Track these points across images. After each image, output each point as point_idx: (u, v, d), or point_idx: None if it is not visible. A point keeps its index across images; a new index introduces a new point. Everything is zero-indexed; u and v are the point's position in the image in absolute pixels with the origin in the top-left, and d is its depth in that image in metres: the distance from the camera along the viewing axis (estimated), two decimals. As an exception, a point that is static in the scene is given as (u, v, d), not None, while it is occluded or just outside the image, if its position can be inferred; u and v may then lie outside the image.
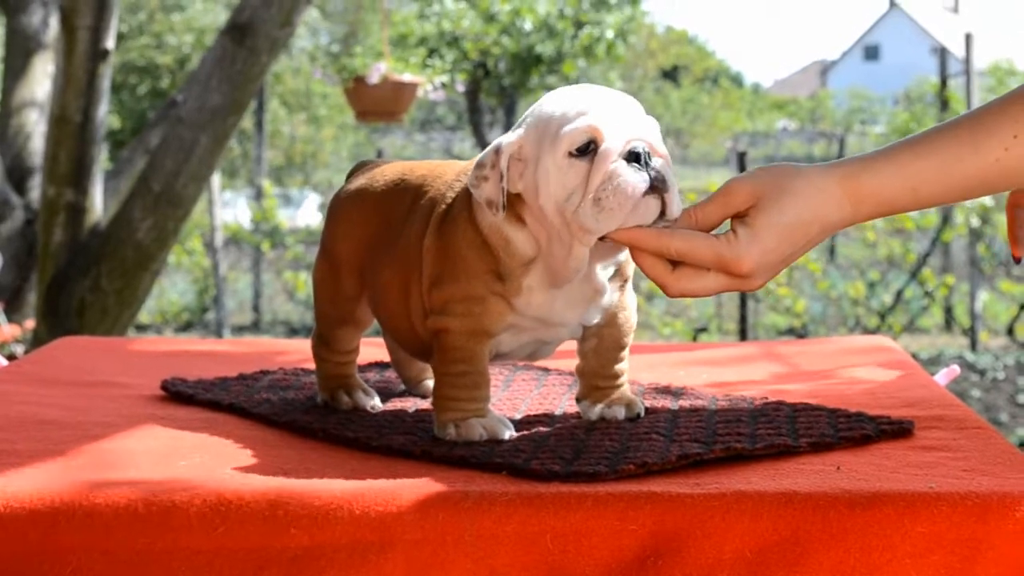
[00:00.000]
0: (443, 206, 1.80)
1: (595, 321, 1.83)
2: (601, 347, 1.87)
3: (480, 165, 1.72)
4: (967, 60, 11.06)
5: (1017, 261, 2.02)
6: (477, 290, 1.75)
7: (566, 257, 1.71)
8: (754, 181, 1.67)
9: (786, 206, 1.66)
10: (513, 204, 1.73)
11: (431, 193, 1.85)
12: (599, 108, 1.70)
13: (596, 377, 1.88)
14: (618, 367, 1.88)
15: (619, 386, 1.89)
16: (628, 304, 1.87)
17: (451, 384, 1.78)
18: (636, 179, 1.66)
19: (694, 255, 1.66)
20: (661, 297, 11.57)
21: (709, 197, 1.69)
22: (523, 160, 1.72)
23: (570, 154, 1.68)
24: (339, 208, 2.01)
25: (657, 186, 1.66)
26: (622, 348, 1.88)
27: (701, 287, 1.69)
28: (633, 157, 1.67)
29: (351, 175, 2.06)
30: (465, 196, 1.78)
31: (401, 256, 1.85)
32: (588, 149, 1.68)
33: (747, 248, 1.65)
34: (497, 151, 1.72)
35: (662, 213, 1.67)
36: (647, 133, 1.70)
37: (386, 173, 1.97)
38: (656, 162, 1.68)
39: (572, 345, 1.91)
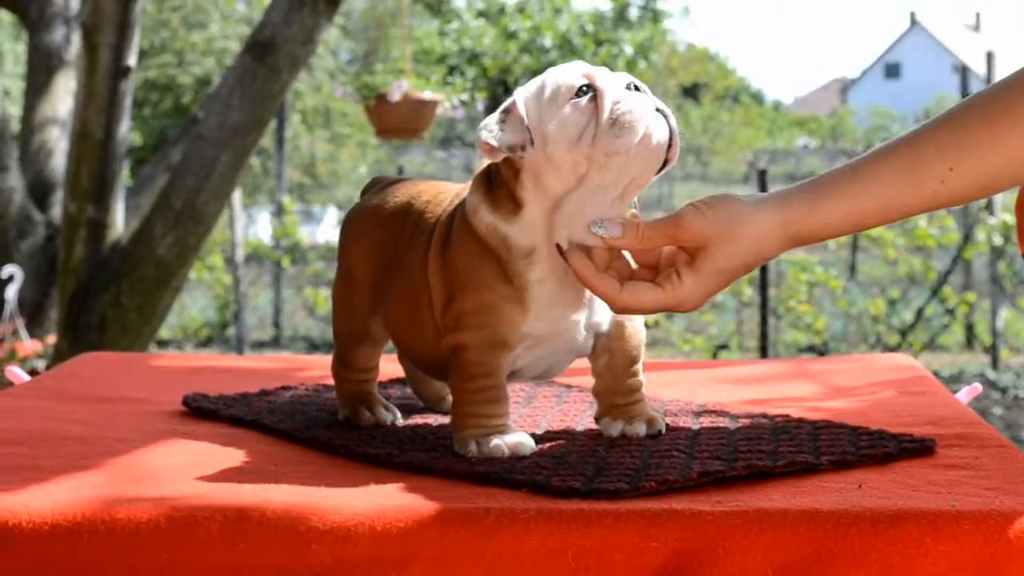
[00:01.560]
0: (442, 229, 1.82)
1: (604, 328, 1.83)
2: (613, 362, 1.87)
3: (487, 123, 1.75)
4: (988, 78, 11.04)
5: None
6: (488, 299, 1.76)
7: (583, 206, 1.73)
8: (704, 222, 1.70)
9: (731, 256, 1.70)
10: (512, 196, 1.75)
11: (430, 219, 1.87)
12: (588, 66, 1.78)
13: (613, 395, 1.88)
14: (633, 381, 1.88)
15: (638, 401, 1.89)
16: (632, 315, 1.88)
17: (470, 401, 1.78)
18: (643, 100, 1.73)
19: (642, 306, 1.72)
20: (682, 314, 11.56)
21: (658, 221, 1.73)
22: (531, 113, 1.75)
23: (571, 99, 1.73)
24: (352, 226, 2.02)
25: (661, 110, 1.74)
26: (635, 361, 1.88)
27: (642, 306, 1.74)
28: (633, 88, 1.75)
29: (365, 191, 2.08)
30: (458, 213, 1.80)
31: (406, 282, 1.86)
32: (586, 92, 1.73)
33: (691, 292, 1.71)
34: (507, 107, 1.76)
35: (670, 144, 1.73)
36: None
37: (397, 194, 1.97)
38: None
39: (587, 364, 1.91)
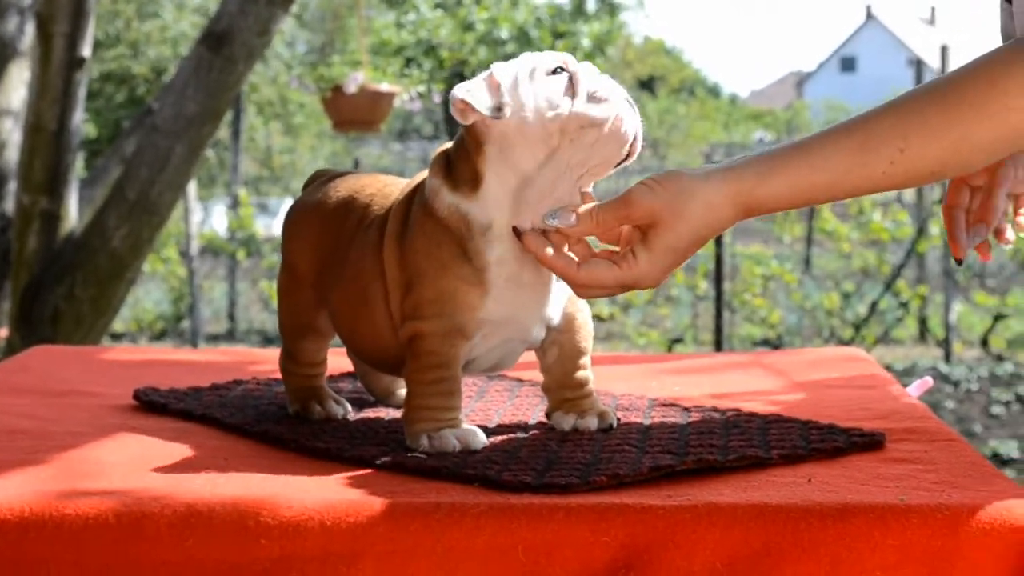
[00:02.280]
0: (394, 220, 1.82)
1: (555, 322, 1.84)
2: (563, 355, 1.87)
3: (466, 86, 1.74)
4: (943, 71, 11.10)
5: (959, 263, 2.05)
6: (447, 284, 1.75)
7: (544, 194, 1.74)
8: (653, 199, 1.70)
9: (681, 231, 1.71)
10: (472, 172, 1.76)
11: (377, 211, 1.87)
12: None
13: (563, 389, 1.89)
14: (582, 374, 1.89)
15: (588, 394, 1.89)
16: (582, 306, 1.88)
17: (425, 393, 1.78)
18: (613, 82, 1.77)
19: (600, 283, 1.73)
20: (637, 307, 11.59)
21: (610, 203, 1.73)
22: (505, 89, 1.75)
23: (547, 73, 1.74)
24: (294, 220, 2.01)
25: (630, 102, 1.77)
26: (584, 353, 1.88)
27: (605, 295, 1.76)
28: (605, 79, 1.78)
29: (307, 185, 2.07)
30: (417, 201, 1.80)
31: (354, 274, 1.85)
32: (562, 71, 1.75)
33: (647, 269, 1.72)
34: (484, 75, 1.76)
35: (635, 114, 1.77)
36: None
37: (339, 188, 1.97)
38: None
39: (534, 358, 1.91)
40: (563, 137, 1.72)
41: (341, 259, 1.89)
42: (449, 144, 1.83)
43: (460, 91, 1.73)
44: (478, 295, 1.76)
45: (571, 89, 1.73)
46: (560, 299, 1.84)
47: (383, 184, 1.93)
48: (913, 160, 1.68)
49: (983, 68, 1.68)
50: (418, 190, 1.82)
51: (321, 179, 2.05)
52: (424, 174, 1.85)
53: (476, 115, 1.72)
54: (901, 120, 1.69)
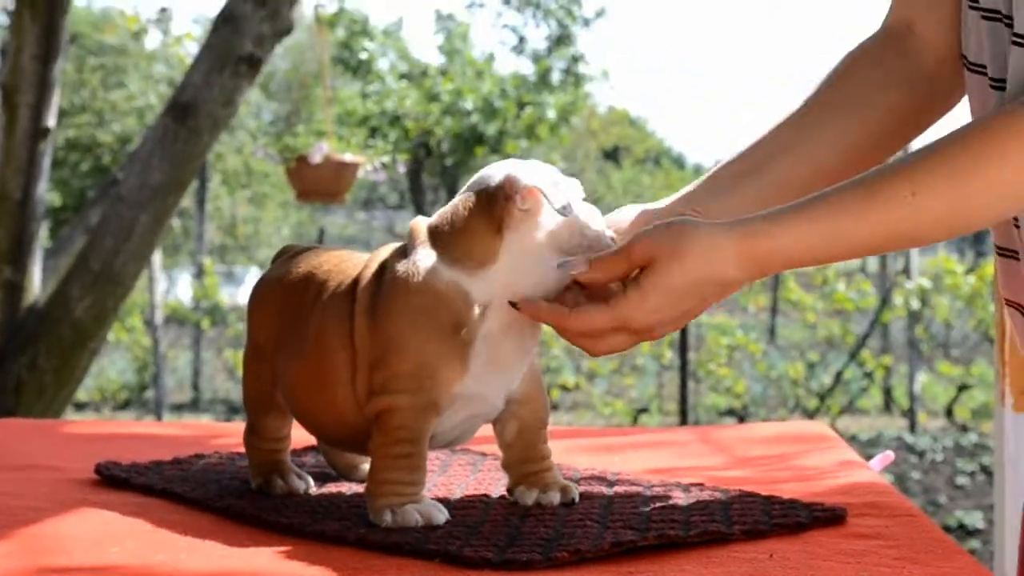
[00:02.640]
0: (362, 293, 1.81)
1: (513, 389, 1.84)
2: (523, 428, 1.88)
3: (530, 180, 1.77)
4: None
5: None
6: (428, 357, 1.75)
7: (537, 287, 1.76)
8: (652, 239, 1.72)
9: (674, 271, 1.69)
10: (485, 248, 1.76)
11: (333, 287, 1.86)
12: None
13: (525, 463, 1.89)
14: (543, 447, 1.89)
15: (549, 468, 1.89)
16: (539, 376, 1.89)
17: (390, 467, 1.77)
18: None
19: (593, 326, 1.73)
20: (602, 377, 11.60)
21: (616, 250, 1.75)
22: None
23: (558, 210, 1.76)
24: (258, 295, 2.01)
25: None
26: (543, 426, 1.89)
27: (610, 346, 1.75)
28: None
29: (275, 259, 2.07)
30: (399, 276, 1.79)
31: (313, 349, 1.84)
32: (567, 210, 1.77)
33: (636, 308, 1.71)
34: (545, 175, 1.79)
35: None
36: None
37: (300, 264, 1.96)
38: None
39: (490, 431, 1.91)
40: (577, 233, 1.77)
41: (297, 334, 1.88)
42: (426, 218, 1.82)
43: (528, 180, 1.75)
44: (458, 370, 1.76)
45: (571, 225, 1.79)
46: (522, 369, 1.85)
47: (339, 260, 1.93)
48: (922, 209, 1.70)
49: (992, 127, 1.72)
50: (387, 264, 1.81)
51: (287, 254, 2.05)
52: (387, 249, 1.85)
53: (537, 206, 1.75)
54: (909, 172, 1.71)
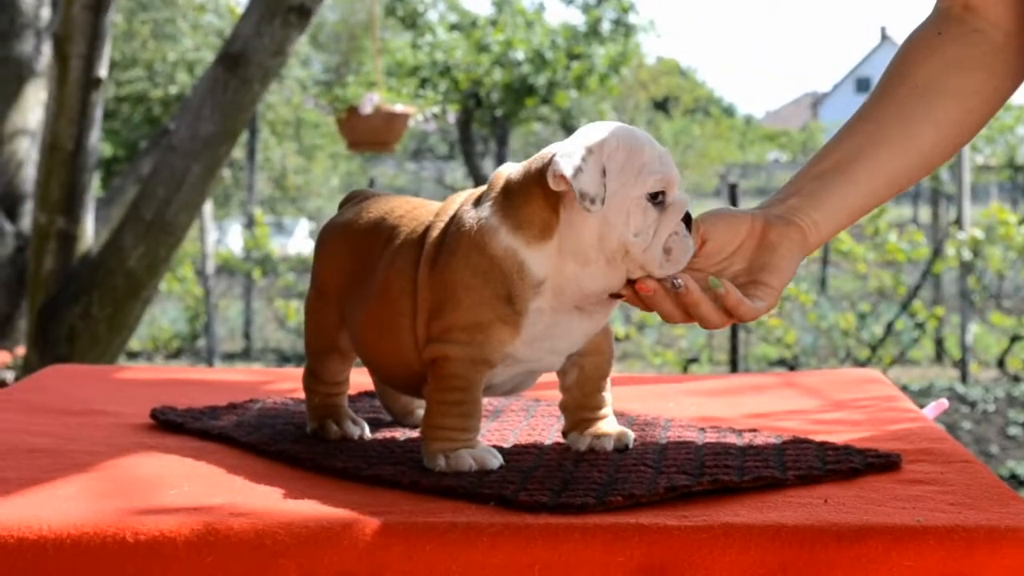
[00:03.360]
0: (430, 242, 1.80)
1: (575, 351, 1.84)
2: (583, 378, 1.88)
3: (569, 156, 1.70)
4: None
5: None
6: (482, 317, 1.75)
7: (601, 279, 1.74)
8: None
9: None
10: (543, 222, 1.74)
11: (406, 233, 1.85)
12: (669, 160, 1.76)
13: (581, 410, 1.89)
14: (602, 396, 1.89)
15: (605, 416, 1.89)
16: (608, 331, 1.88)
17: (444, 413, 1.78)
18: (689, 241, 1.76)
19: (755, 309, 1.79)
20: (652, 327, 11.59)
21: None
22: (609, 169, 1.72)
23: (648, 196, 1.72)
24: (326, 239, 2.01)
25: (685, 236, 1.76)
26: (604, 377, 1.89)
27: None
28: (687, 219, 1.76)
29: (343, 205, 2.06)
30: (464, 228, 1.78)
31: (381, 293, 1.84)
32: (659, 199, 1.73)
33: (749, 313, 1.78)
34: (590, 148, 1.72)
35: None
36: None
37: (371, 209, 1.96)
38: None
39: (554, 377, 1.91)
40: (624, 259, 1.74)
41: (367, 279, 1.89)
42: (511, 167, 1.79)
43: (564, 161, 1.70)
44: (510, 334, 1.76)
45: (656, 224, 1.73)
46: (600, 326, 1.84)
47: (412, 207, 1.92)
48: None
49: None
50: (457, 216, 1.81)
51: (355, 199, 2.05)
52: (463, 197, 1.84)
53: (568, 191, 1.71)
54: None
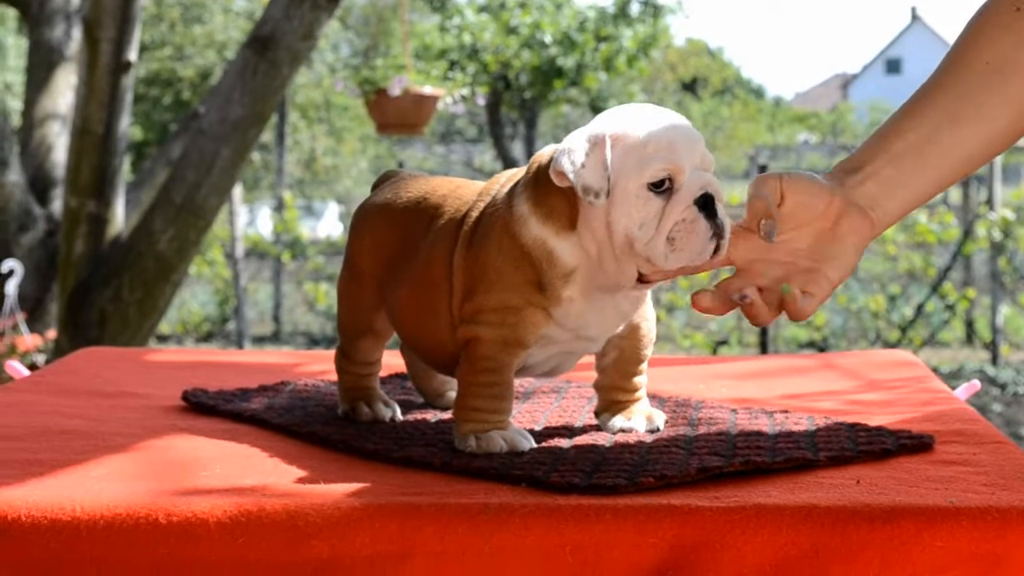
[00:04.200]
0: (469, 223, 1.80)
1: (618, 331, 1.84)
2: (621, 360, 1.87)
3: (570, 151, 1.70)
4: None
5: None
6: (513, 300, 1.75)
7: (615, 272, 1.73)
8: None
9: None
10: (567, 212, 1.73)
11: (450, 213, 1.85)
12: (679, 143, 1.71)
13: (615, 391, 1.89)
14: (637, 379, 1.89)
15: (638, 399, 1.89)
16: (648, 315, 1.87)
17: (476, 394, 1.78)
18: (704, 227, 1.69)
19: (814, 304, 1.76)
20: (682, 310, 11.57)
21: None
22: (611, 162, 1.71)
23: (648, 186, 1.69)
24: (362, 220, 2.01)
25: (718, 233, 1.70)
26: (641, 361, 1.88)
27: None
28: (703, 203, 1.70)
29: (376, 186, 2.06)
30: (498, 212, 1.78)
31: (422, 273, 1.85)
32: (664, 186, 1.70)
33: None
34: (593, 140, 1.71)
35: (715, 252, 1.71)
36: (709, 171, 1.73)
37: (410, 189, 1.96)
38: (720, 209, 1.71)
39: (590, 359, 1.91)
40: (628, 254, 1.71)
41: (409, 258, 1.88)
42: (541, 157, 1.78)
43: (564, 159, 1.70)
44: (543, 318, 1.76)
45: (662, 213, 1.70)
46: (634, 311, 1.83)
47: (455, 186, 1.92)
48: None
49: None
50: (495, 199, 1.80)
51: (391, 179, 2.04)
52: (502, 178, 1.83)
53: (571, 185, 1.70)
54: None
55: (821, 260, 1.75)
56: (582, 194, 1.69)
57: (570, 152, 1.70)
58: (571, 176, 1.69)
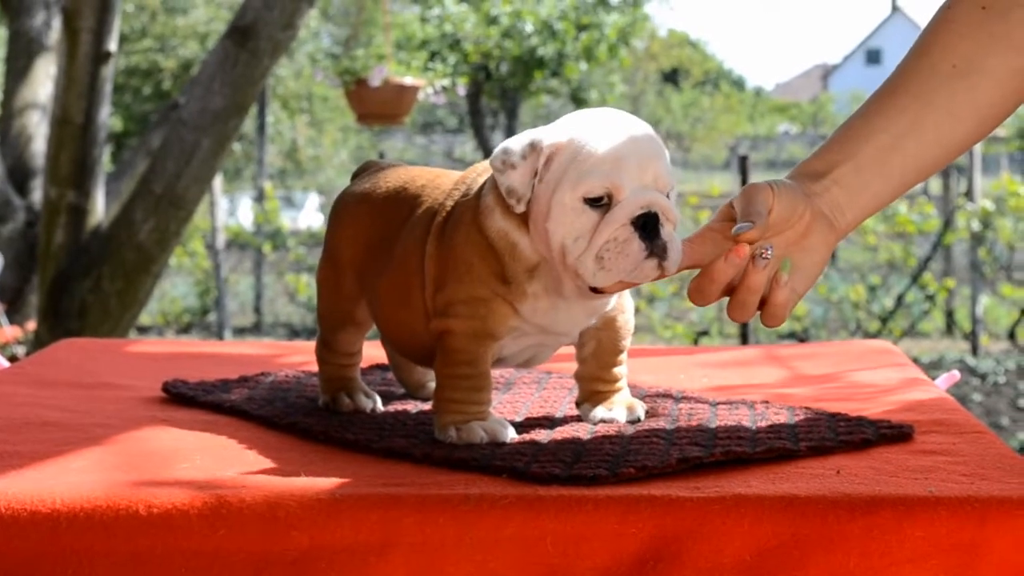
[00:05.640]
0: (443, 213, 1.80)
1: (595, 323, 1.84)
2: (600, 351, 1.88)
3: (508, 151, 1.70)
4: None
5: None
6: (481, 292, 1.75)
7: (565, 279, 1.73)
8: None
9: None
10: (524, 211, 1.73)
11: (428, 203, 1.85)
12: (627, 160, 1.68)
13: (595, 381, 1.89)
14: (617, 370, 1.89)
15: (619, 389, 1.89)
16: (626, 307, 1.87)
17: (453, 386, 1.78)
18: (638, 248, 1.66)
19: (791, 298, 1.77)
20: (662, 300, 11.58)
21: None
22: (550, 171, 1.70)
23: (584, 200, 1.68)
24: (342, 210, 2.01)
25: (657, 253, 1.67)
26: (620, 351, 1.88)
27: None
28: (641, 223, 1.67)
29: (357, 175, 2.06)
30: (468, 202, 1.78)
31: (399, 264, 1.85)
32: (601, 202, 1.68)
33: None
34: (533, 145, 1.70)
35: (660, 273, 1.68)
36: (663, 191, 1.70)
37: (389, 179, 1.96)
38: (664, 230, 1.68)
39: (570, 349, 1.91)
40: (560, 267, 1.71)
41: (388, 249, 1.88)
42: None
43: (501, 155, 1.70)
44: (511, 311, 1.76)
45: (593, 230, 1.67)
46: (604, 308, 1.83)
47: (433, 176, 1.92)
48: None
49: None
50: (468, 190, 1.80)
51: (371, 169, 2.04)
52: (478, 168, 1.83)
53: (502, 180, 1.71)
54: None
55: (791, 271, 1.75)
56: (506, 195, 1.70)
57: (507, 151, 1.71)
58: (499, 176, 1.70)
